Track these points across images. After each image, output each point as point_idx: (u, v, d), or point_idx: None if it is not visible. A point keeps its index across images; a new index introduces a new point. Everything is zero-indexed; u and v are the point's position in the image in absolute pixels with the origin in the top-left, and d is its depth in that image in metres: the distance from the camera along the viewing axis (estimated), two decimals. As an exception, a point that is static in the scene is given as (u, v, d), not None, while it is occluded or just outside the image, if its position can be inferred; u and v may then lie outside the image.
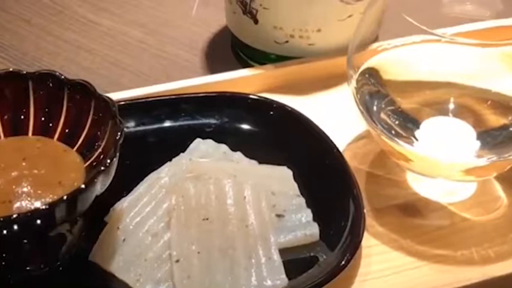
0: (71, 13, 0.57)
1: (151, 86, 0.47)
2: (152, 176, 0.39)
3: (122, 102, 0.43)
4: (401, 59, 0.41)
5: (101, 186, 0.33)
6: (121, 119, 0.35)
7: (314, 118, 0.43)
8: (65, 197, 0.31)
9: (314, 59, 0.49)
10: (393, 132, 0.39)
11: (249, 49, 0.51)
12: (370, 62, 0.40)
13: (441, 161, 0.38)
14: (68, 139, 0.37)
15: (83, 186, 0.32)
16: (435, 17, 0.43)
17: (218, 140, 0.42)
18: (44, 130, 0.38)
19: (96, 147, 0.36)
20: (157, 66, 0.52)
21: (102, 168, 0.33)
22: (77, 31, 0.55)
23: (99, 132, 0.36)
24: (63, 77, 0.37)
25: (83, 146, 0.37)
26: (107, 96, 0.36)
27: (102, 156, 0.35)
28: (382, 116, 0.39)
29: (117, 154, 0.34)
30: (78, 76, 0.51)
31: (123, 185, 0.39)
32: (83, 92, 0.37)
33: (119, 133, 0.34)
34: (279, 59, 0.50)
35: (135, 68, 0.52)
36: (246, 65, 0.51)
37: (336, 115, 0.45)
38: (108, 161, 0.33)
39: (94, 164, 0.36)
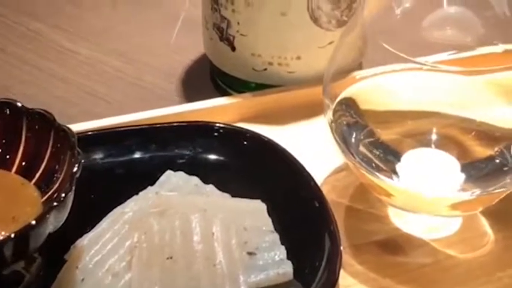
0: (47, 41, 0.55)
1: (124, 115, 0.45)
2: (117, 211, 0.37)
3: (90, 132, 0.41)
4: (381, 88, 0.39)
5: (54, 222, 0.31)
6: (80, 150, 0.33)
7: (292, 149, 0.41)
8: (12, 235, 0.29)
9: (293, 88, 0.47)
10: (373, 165, 0.37)
11: (227, 77, 0.49)
12: (348, 91, 0.38)
13: (424, 196, 0.36)
14: (26, 171, 0.35)
15: (33, 222, 0.30)
16: (418, 43, 0.41)
17: (190, 172, 0.40)
18: (1, 162, 0.36)
19: (54, 180, 0.34)
20: (134, 95, 0.51)
21: (55, 204, 0.30)
22: (53, 60, 0.54)
23: (57, 165, 0.34)
24: (21, 105, 0.35)
25: (42, 179, 0.35)
26: (66, 126, 0.34)
27: (59, 191, 0.33)
28: (361, 148, 0.37)
29: (73, 188, 0.32)
30: (49, 105, 0.49)
31: (88, 220, 0.37)
32: (41, 122, 0.35)
33: (76, 166, 0.32)
34: (258, 87, 0.48)
35: (110, 97, 0.50)
36: (224, 94, 0.49)
37: (315, 145, 0.43)
38: (63, 195, 0.31)
39: (51, 198, 0.34)
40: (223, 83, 0.50)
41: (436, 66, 0.35)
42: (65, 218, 0.32)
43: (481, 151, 0.38)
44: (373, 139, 0.38)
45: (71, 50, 0.55)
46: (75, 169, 0.32)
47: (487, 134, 0.39)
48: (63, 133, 0.34)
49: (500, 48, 0.38)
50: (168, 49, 0.55)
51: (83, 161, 0.33)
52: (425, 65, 0.35)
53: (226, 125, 0.42)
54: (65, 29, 0.57)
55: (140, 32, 0.57)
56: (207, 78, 0.52)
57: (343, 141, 0.36)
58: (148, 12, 0.59)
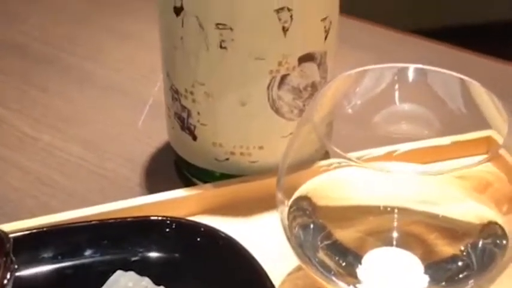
0: (9, 127, 0.54)
1: (79, 209, 0.43)
2: (58, 318, 0.35)
3: (35, 230, 0.39)
4: (340, 182, 0.38)
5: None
6: (13, 258, 0.31)
7: (253, 243, 0.39)
8: None
9: (256, 178, 0.45)
10: (332, 272, 0.35)
11: (191, 166, 0.48)
12: (306, 186, 0.37)
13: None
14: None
15: None
16: (370, 136, 0.40)
17: (142, 271, 0.38)
18: None
19: (-10, 287, 0.32)
20: (94, 185, 0.49)
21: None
22: (13, 147, 0.52)
23: (-6, 271, 0.33)
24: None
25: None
26: (1, 231, 0.33)
27: (-9, 300, 0.31)
28: (319, 253, 0.35)
29: (2, 301, 0.30)
30: (6, 196, 0.48)
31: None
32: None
33: (8, 275, 0.30)
34: (223, 176, 0.46)
35: (69, 187, 0.48)
36: (188, 183, 0.48)
37: (278, 240, 0.41)
38: (-10, 309, 0.29)
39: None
40: (187, 171, 0.49)
41: (389, 169, 0.34)
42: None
43: (445, 250, 0.36)
44: (332, 241, 0.36)
45: (32, 136, 0.53)
46: (6, 280, 0.30)
47: (451, 231, 0.37)
48: (-2, 238, 0.32)
49: (448, 139, 0.37)
50: (133, 135, 0.54)
51: (16, 266, 0.31)
52: (365, 166, 0.33)
53: (181, 219, 0.40)
54: (28, 115, 0.55)
55: (106, 118, 0.56)
56: (171, 166, 0.50)
57: (299, 246, 0.34)
58: (117, 97, 0.58)
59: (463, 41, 0.63)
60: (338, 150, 0.33)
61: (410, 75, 0.36)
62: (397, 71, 0.36)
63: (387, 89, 0.36)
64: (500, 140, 0.36)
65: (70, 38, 0.66)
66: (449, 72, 0.34)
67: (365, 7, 1.23)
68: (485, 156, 0.33)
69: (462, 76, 0.34)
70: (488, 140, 0.44)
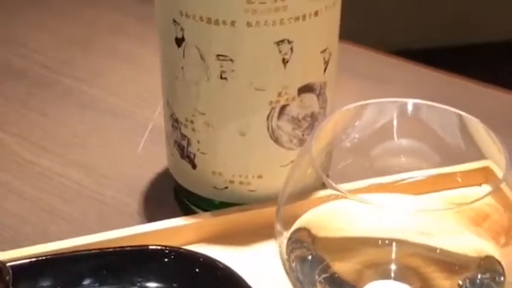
0: (8, 152, 0.54)
1: (76, 237, 0.43)
2: None
3: (34, 259, 0.39)
4: (338, 214, 0.38)
5: None
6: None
7: (251, 273, 0.39)
8: None
9: (255, 207, 0.45)
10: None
11: (190, 194, 0.48)
12: (305, 218, 0.37)
13: None
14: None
15: None
16: (382, 166, 0.40)
17: (140, 302, 0.38)
18: None
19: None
20: (93, 211, 0.49)
21: None
22: (12, 172, 0.52)
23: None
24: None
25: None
26: (1, 263, 0.33)
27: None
28: (317, 287, 0.35)
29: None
30: (4, 223, 0.48)
31: None
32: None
33: (7, 308, 0.30)
34: (222, 205, 0.46)
35: (67, 214, 0.48)
36: (188, 210, 0.48)
37: (277, 270, 0.41)
38: None
39: None
40: (187, 199, 0.49)
41: (383, 205, 0.34)
42: None
43: (443, 284, 0.36)
44: (330, 274, 0.36)
45: (31, 161, 0.53)
46: (4, 313, 0.30)
47: (449, 263, 0.37)
48: (-2, 270, 0.32)
49: (446, 170, 0.37)
50: (133, 161, 0.54)
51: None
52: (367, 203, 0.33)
53: (180, 249, 0.41)
54: (27, 139, 0.56)
55: (105, 142, 0.56)
56: (171, 193, 0.50)
57: (297, 279, 0.34)
58: (116, 121, 0.58)
59: (468, 60, 0.63)
60: (333, 184, 0.33)
61: (410, 109, 0.36)
62: (396, 105, 0.36)
63: (386, 123, 0.36)
64: (496, 169, 0.36)
65: (70, 61, 0.66)
66: (448, 108, 0.34)
67: (363, 28, 1.24)
68: (485, 190, 0.34)
69: (461, 112, 0.34)
70: (485, 170, 0.45)
